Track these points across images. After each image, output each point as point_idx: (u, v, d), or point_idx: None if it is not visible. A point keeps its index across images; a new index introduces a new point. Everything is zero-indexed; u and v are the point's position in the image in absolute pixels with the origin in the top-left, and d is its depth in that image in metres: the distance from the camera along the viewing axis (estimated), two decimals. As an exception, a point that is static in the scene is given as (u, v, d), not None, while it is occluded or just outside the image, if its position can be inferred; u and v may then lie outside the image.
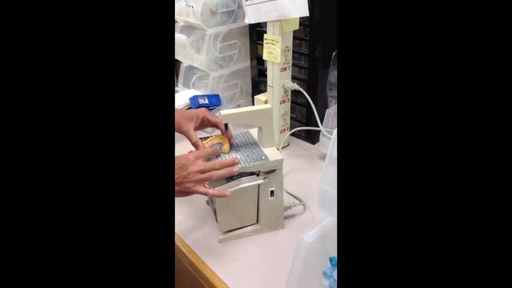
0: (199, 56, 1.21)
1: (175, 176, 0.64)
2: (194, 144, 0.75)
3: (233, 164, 0.68)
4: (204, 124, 0.78)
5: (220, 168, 0.67)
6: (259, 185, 0.72)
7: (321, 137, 1.00)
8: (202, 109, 0.79)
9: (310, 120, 1.06)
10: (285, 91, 1.01)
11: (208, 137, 0.78)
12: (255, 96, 1.10)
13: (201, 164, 0.66)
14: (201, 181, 0.66)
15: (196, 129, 0.76)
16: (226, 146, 0.75)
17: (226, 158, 0.71)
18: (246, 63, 1.29)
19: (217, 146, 0.76)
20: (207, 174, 0.66)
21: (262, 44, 0.98)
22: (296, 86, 0.98)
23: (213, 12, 1.16)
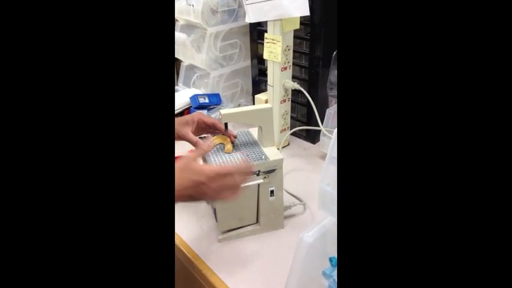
0: (200, 55, 1.21)
1: (191, 191, 0.62)
2: (195, 145, 0.74)
3: (249, 168, 0.67)
4: (200, 127, 0.78)
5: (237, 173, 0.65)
6: (259, 184, 0.72)
7: (321, 137, 1.00)
8: (197, 112, 0.79)
9: (310, 119, 1.06)
10: (286, 90, 1.01)
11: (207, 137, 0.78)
12: (256, 96, 1.10)
13: (218, 179, 0.63)
14: (219, 191, 0.64)
15: (194, 133, 0.76)
16: (229, 146, 0.75)
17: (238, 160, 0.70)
18: (246, 62, 1.29)
19: (219, 146, 0.76)
20: (225, 184, 0.64)
21: (262, 43, 0.98)
22: (296, 86, 0.98)
23: (214, 11, 1.16)
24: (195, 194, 0.63)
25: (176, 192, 0.59)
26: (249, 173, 0.67)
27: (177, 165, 0.61)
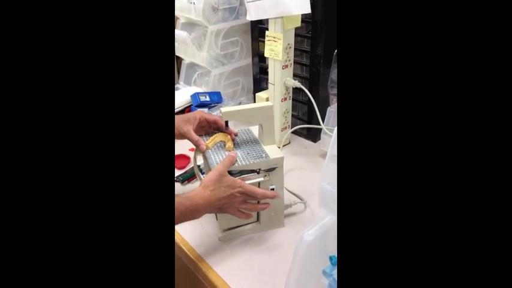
0: (201, 53, 1.20)
1: (223, 202, 0.66)
2: (196, 143, 0.75)
3: (274, 196, 0.71)
4: (202, 125, 0.78)
5: (262, 198, 0.70)
6: (259, 183, 0.72)
7: (322, 135, 1.00)
8: (198, 110, 0.81)
9: (311, 118, 1.05)
10: (287, 89, 1.01)
11: (210, 135, 0.78)
12: (256, 94, 1.10)
13: (246, 196, 0.68)
14: (239, 207, 0.69)
15: (195, 131, 0.76)
16: (229, 144, 0.75)
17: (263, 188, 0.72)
18: (247, 60, 1.29)
19: (220, 144, 0.76)
20: (248, 206, 0.70)
21: (263, 41, 0.98)
22: (297, 84, 0.98)
23: (215, 9, 1.16)
24: (224, 205, 0.67)
25: (210, 203, 0.64)
26: (269, 204, 0.72)
27: (211, 176, 0.65)
